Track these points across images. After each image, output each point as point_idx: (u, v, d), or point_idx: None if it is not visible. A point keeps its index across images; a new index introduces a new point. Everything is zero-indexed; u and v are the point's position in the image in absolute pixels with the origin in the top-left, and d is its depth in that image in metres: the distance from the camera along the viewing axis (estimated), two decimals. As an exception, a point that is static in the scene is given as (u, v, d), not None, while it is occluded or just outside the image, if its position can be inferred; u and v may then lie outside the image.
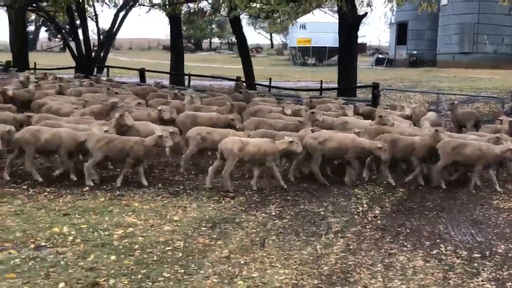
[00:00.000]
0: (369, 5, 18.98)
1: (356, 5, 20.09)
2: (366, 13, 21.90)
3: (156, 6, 21.96)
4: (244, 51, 25.65)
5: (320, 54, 59.93)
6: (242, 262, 7.27)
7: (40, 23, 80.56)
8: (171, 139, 11.03)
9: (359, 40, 72.22)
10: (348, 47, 21.32)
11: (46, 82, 20.01)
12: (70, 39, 27.18)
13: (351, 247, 7.99)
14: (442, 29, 51.73)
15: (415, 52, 54.75)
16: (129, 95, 17.51)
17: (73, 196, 10.04)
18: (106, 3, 21.74)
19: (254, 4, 18.17)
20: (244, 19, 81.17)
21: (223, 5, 17.73)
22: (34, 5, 25.98)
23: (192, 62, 40.24)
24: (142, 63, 43.47)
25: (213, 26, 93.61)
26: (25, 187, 10.57)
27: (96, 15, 27.54)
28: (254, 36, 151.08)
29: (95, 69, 25.67)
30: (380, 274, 7.08)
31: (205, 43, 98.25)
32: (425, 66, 51.25)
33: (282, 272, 7.01)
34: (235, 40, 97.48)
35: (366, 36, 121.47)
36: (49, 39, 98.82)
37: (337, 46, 58.77)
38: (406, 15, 52.34)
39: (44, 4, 25.96)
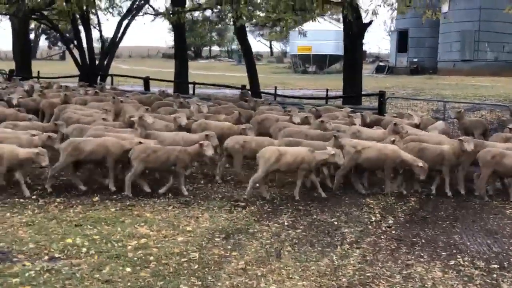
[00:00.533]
0: (374, 13, 18.94)
1: (361, 13, 20.07)
2: (371, 21, 21.80)
3: (160, 15, 21.90)
4: (249, 59, 25.61)
5: (320, 62, 59.87)
6: (259, 274, 7.19)
7: (39, 31, 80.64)
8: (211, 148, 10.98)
9: (359, 48, 72.49)
10: (353, 55, 21.26)
11: (51, 90, 19.94)
12: (73, 47, 27.06)
13: (367, 258, 7.92)
14: (443, 36, 51.69)
15: (415, 59, 54.65)
16: (134, 104, 17.42)
17: (83, 207, 9.95)
18: (109, 12, 21.73)
19: (259, 13, 18.14)
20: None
21: (229, 14, 17.62)
22: (37, 13, 25.94)
23: (192, 70, 39.91)
24: (142, 71, 43.44)
25: (213, 34, 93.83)
26: (34, 197, 10.48)
27: (99, 23, 27.54)
28: (254, 44, 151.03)
29: (99, 78, 25.61)
30: (399, 286, 7.00)
31: (204, 50, 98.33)
32: (426, 73, 51.18)
33: (301, 284, 6.93)
34: (235, 48, 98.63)
35: (366, 44, 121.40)
36: (49, 47, 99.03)
37: (338, 54, 59.70)
38: (406, 22, 52.31)
39: (46, 12, 25.87)
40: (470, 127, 15.91)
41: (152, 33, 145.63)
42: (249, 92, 21.38)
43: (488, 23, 48.98)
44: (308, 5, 17.68)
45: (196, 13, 25.45)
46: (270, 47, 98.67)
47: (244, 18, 17.92)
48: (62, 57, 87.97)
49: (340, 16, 25.95)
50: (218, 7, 21.07)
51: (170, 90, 24.20)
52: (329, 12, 20.44)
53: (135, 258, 7.53)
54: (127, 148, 11.03)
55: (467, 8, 49.28)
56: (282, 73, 57.61)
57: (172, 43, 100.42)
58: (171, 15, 20.07)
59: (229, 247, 8.12)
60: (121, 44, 27.63)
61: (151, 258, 7.56)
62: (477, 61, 50.04)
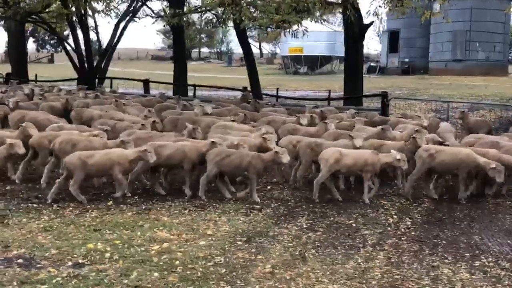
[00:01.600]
0: (376, 14, 18.99)
1: (362, 14, 20.09)
2: (372, 22, 21.86)
3: (159, 18, 21.78)
4: (250, 61, 25.57)
5: (312, 63, 60.00)
6: (287, 277, 7.15)
7: (28, 34, 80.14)
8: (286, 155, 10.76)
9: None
10: (354, 56, 21.29)
11: (51, 94, 19.78)
12: (70, 49, 26.90)
13: (392, 260, 7.90)
14: (434, 36, 51.97)
15: (407, 60, 54.88)
16: (137, 107, 17.34)
17: (99, 211, 9.87)
18: (108, 14, 21.59)
19: (261, 15, 18.07)
20: (233, 29, 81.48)
21: (232, 16, 17.55)
22: (34, 16, 25.76)
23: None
24: (133, 73, 43.21)
25: (203, 35, 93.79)
26: (48, 201, 10.39)
27: (96, 26, 27.42)
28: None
29: (97, 81, 25.48)
30: (429, 288, 6.99)
31: (193, 52, 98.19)
32: (418, 73, 51.43)
33: (331, 287, 6.90)
34: (224, 50, 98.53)
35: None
36: (37, 50, 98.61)
37: (329, 54, 59.81)
38: (397, 23, 52.46)
39: (43, 15, 25.70)
40: (475, 127, 15.92)
41: (140, 35, 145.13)
42: (250, 93, 21.32)
43: (479, 23, 49.33)
44: (311, 6, 17.70)
45: (197, 15, 25.34)
46: (260, 49, 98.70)
47: (247, 20, 17.91)
48: (51, 60, 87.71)
49: (330, 17, 25.84)
50: (220, 9, 21.11)
51: (169, 93, 24.12)
52: (329, 13, 20.15)
53: (161, 263, 7.47)
54: (203, 152, 11.01)
55: (458, 8, 49.51)
56: (273, 74, 57.60)
57: (161, 45, 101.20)
58: (172, 17, 20.01)
59: (253, 250, 8.07)
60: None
61: (177, 262, 7.50)
62: (468, 61, 50.39)
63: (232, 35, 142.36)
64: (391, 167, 11.33)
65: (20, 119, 14.00)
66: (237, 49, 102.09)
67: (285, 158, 10.64)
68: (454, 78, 43.86)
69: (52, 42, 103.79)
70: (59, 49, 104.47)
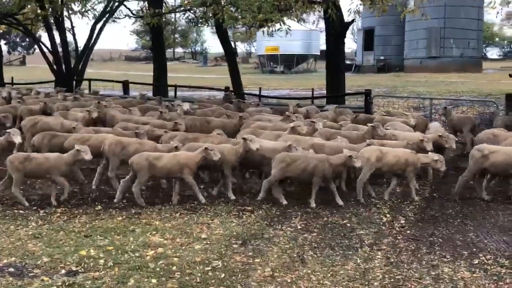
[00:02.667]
0: (357, 12, 18.95)
1: (343, 13, 20.04)
2: (353, 20, 21.84)
3: (138, 18, 21.48)
4: (232, 61, 25.38)
5: (288, 62, 59.94)
6: (288, 280, 7.03)
7: (-1, 36, 79.04)
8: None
9: (321, 47, 72.83)
10: (336, 55, 21.23)
11: (30, 97, 19.42)
12: (46, 50, 26.42)
13: (391, 260, 7.81)
14: (409, 34, 52.23)
15: (382, 57, 55.13)
16: (119, 109, 17.06)
17: (88, 216, 9.66)
18: (85, 16, 21.23)
19: (242, 13, 17.90)
20: (208, 28, 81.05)
21: (217, 15, 17.34)
22: (9, 19, 25.29)
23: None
24: (107, 74, 42.77)
25: (177, 35, 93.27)
26: (35, 207, 10.16)
27: (73, 27, 27.01)
28: (217, 44, 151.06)
29: (74, 83, 25.09)
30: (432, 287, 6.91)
31: (168, 52, 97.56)
32: (393, 71, 51.66)
33: (334, 289, 6.80)
34: (198, 50, 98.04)
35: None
36: (9, 53, 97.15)
37: (305, 53, 59.82)
38: (372, 21, 52.63)
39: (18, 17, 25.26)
40: (459, 123, 15.93)
41: (113, 36, 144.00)
42: (233, 93, 21.15)
43: (453, 20, 49.64)
44: (293, 4, 17.61)
45: (177, 15, 25.02)
46: (235, 48, 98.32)
47: (229, 19, 17.73)
48: (23, 62, 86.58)
49: (305, 16, 25.78)
50: (200, 8, 20.89)
51: (148, 94, 23.81)
52: (310, 12, 20.03)
53: (158, 269, 7.30)
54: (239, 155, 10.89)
55: (433, 6, 49.85)
56: (249, 74, 57.31)
57: (135, 45, 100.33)
58: (152, 17, 19.75)
59: (250, 253, 7.93)
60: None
61: (174, 268, 7.33)
62: (443, 58, 50.74)
63: (206, 35, 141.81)
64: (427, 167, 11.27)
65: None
66: (211, 49, 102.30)
67: (358, 162, 10.31)
68: (429, 75, 44.12)
69: (23, 44, 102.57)
70: (31, 51, 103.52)
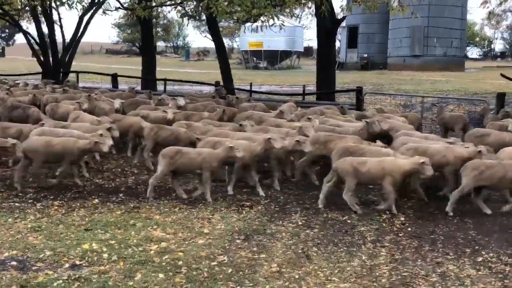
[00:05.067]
0: (350, 9, 18.95)
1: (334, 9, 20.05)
2: (344, 17, 21.88)
3: (130, 11, 21.27)
4: (222, 55, 25.24)
5: (272, 58, 59.99)
6: (296, 276, 6.99)
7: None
8: None
9: (305, 44, 72.86)
10: (327, 51, 21.23)
11: (18, 89, 19.18)
12: (34, 42, 26.12)
13: (396, 257, 7.81)
14: (393, 32, 52.53)
15: (366, 55, 55.40)
16: (108, 101, 16.89)
17: (86, 210, 9.57)
18: (74, 7, 20.97)
19: (235, 8, 17.84)
20: (191, 23, 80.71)
21: (203, 9, 17.23)
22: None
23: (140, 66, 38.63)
24: (89, 67, 42.31)
25: (159, 29, 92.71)
26: (31, 200, 10.05)
27: (60, 19, 26.67)
28: (200, 39, 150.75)
29: (61, 75, 24.81)
30: (439, 285, 6.91)
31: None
32: (376, 69, 51.96)
33: (343, 286, 6.77)
34: (181, 44, 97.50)
35: (310, 40, 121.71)
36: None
37: (288, 49, 59.89)
38: (356, 18, 52.88)
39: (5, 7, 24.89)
40: (450, 122, 15.98)
41: (93, 28, 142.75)
42: (223, 88, 21.04)
43: (436, 19, 50.00)
44: (287, 0, 17.56)
45: (169, 8, 24.81)
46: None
47: (224, 14, 17.63)
48: (1, 54, 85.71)
49: (287, 11, 25.72)
50: (191, 2, 20.74)
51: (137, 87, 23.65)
52: (301, 7, 19.95)
53: (164, 263, 7.23)
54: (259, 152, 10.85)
55: (416, 4, 50.07)
56: (233, 69, 56.76)
57: (116, 38, 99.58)
58: (144, 10, 19.59)
59: (254, 249, 7.88)
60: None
61: (180, 262, 7.27)
62: (426, 56, 51.12)
63: (189, 29, 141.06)
64: None
65: None
66: (192, 43, 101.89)
67: (429, 171, 9.73)
68: (413, 74, 44.40)
69: (3, 35, 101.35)
70: (10, 43, 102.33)
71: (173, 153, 10.26)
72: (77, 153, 10.76)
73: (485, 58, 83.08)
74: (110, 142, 11.09)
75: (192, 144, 11.64)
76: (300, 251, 7.87)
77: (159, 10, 25.11)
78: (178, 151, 10.30)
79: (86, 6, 22.93)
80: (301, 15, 60.53)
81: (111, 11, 23.92)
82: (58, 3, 21.61)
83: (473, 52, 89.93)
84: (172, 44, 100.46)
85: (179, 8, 21.12)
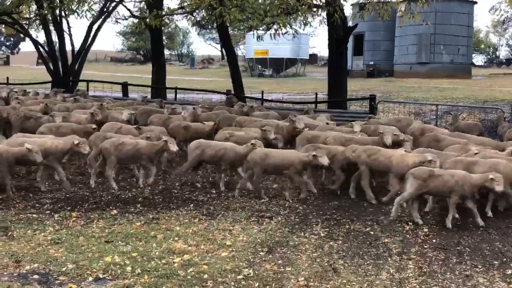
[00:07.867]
0: (363, 16, 18.87)
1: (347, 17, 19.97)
2: (357, 24, 21.76)
3: (141, 19, 21.18)
4: (233, 63, 25.08)
5: (277, 66, 59.85)
6: (325, 290, 6.87)
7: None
8: None
9: (310, 51, 72.76)
10: (338, 59, 21.12)
11: (28, 98, 19.09)
12: (43, 51, 26.07)
13: (424, 269, 7.66)
14: (399, 39, 52.33)
15: (372, 62, 55.19)
16: (120, 111, 16.76)
17: (105, 221, 9.44)
18: (83, 16, 20.90)
19: (248, 16, 17.73)
20: (196, 31, 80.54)
21: (216, 18, 17.14)
22: (6, 17, 24.89)
23: (147, 74, 38.56)
24: (95, 75, 42.24)
25: (163, 37, 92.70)
26: (48, 211, 9.93)
27: (69, 28, 26.61)
28: (205, 47, 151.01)
29: (70, 84, 24.73)
30: (472, 299, 6.78)
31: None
32: (383, 76, 51.73)
33: (374, 300, 6.64)
34: (185, 52, 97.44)
35: (315, 47, 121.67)
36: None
37: (294, 57, 59.75)
38: (362, 26, 52.45)
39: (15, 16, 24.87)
40: (466, 130, 15.82)
41: (98, 36, 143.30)
42: (235, 97, 20.90)
43: (443, 26, 49.78)
44: (299, 8, 17.46)
45: (179, 17, 24.75)
46: (221, 51, 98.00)
47: (237, 22, 17.55)
48: (6, 62, 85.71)
49: (301, 19, 25.62)
50: (203, 10, 20.62)
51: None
52: (313, 16, 19.83)
53: (189, 277, 7.10)
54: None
55: (423, 12, 50.01)
56: (239, 77, 57.21)
57: (121, 47, 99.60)
58: (155, 19, 19.48)
59: (279, 262, 7.75)
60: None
61: (205, 276, 7.14)
62: (433, 64, 50.83)
63: (193, 37, 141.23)
64: None
65: None
66: (197, 51, 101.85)
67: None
68: (420, 81, 44.16)
69: (8, 44, 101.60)
70: (15, 51, 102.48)
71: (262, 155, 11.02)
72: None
73: (490, 65, 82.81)
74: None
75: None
76: (326, 263, 7.74)
77: (170, 19, 24.92)
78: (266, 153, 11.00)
79: (95, 14, 22.81)
80: (311, 23, 60.37)
81: (123, 19, 23.79)
82: (68, 12, 21.49)
83: (478, 59, 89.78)
84: (176, 52, 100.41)
85: (190, 17, 21.01)
